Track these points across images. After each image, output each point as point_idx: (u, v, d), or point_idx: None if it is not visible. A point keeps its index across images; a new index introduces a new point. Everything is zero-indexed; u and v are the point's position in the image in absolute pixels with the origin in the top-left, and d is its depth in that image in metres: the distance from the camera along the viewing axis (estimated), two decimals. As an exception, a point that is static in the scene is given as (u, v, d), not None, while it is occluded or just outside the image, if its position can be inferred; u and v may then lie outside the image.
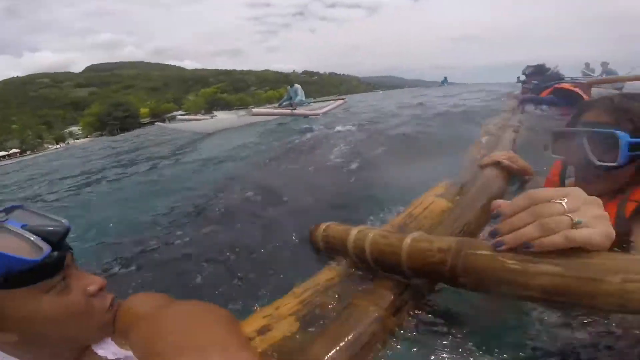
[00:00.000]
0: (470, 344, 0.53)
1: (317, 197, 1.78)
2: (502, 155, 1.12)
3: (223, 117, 7.90)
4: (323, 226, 0.77)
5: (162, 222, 1.80)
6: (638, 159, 0.68)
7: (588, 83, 3.38)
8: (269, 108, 7.76)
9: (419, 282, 0.60)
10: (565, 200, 0.43)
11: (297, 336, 0.54)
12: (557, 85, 3.01)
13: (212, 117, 8.04)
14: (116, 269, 1.36)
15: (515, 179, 1.10)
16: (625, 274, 0.38)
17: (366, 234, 0.67)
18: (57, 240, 0.50)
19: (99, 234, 1.83)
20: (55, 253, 0.49)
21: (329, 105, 8.10)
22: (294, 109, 7.27)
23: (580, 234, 0.41)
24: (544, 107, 2.98)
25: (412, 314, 0.59)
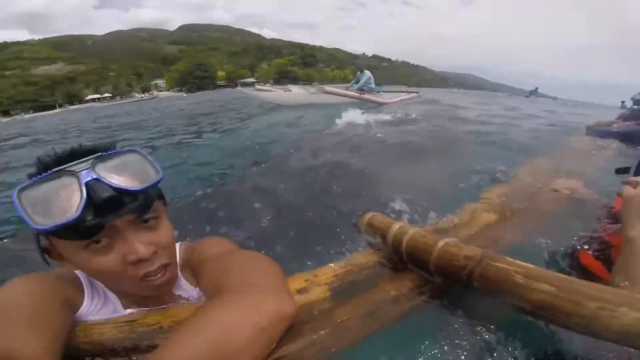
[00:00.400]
0: (472, 342, 0.62)
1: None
2: (563, 184, 1.13)
3: (297, 92, 8.17)
4: (369, 215, 0.88)
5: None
6: None
7: None
8: (340, 89, 7.85)
9: (440, 280, 0.70)
10: None
11: (326, 301, 0.65)
12: None
13: (285, 91, 8.36)
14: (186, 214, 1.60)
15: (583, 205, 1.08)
16: (603, 302, 0.46)
17: (406, 230, 0.77)
18: (102, 205, 0.50)
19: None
20: (91, 218, 0.50)
21: (400, 95, 7.96)
22: (363, 94, 7.27)
23: None
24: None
25: (426, 303, 0.68)
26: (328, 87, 7.73)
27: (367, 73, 8.14)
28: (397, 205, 1.47)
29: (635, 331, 0.45)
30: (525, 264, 0.56)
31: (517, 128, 4.51)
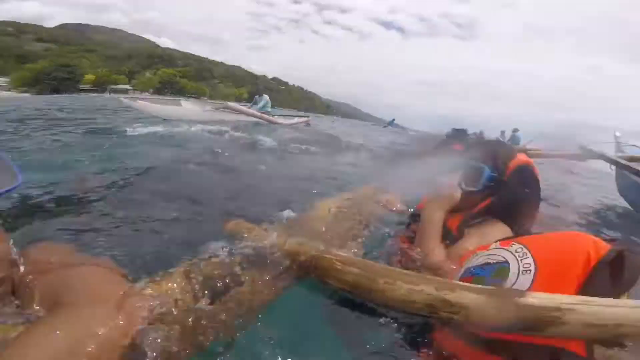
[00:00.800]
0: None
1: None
2: (384, 198, 1.53)
3: (189, 107, 7.61)
4: (233, 222, 0.96)
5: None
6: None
7: None
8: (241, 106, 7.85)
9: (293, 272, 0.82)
10: None
11: (190, 296, 0.68)
12: None
13: (175, 105, 7.71)
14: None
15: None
16: (388, 278, 0.64)
17: (261, 233, 0.88)
18: None
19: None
20: None
21: (293, 120, 8.55)
22: (263, 115, 7.53)
23: None
24: None
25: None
26: (231, 104, 7.60)
27: (265, 97, 8.54)
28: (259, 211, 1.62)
29: (407, 299, 0.64)
30: (343, 254, 0.73)
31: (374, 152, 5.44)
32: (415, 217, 1.12)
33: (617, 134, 4.01)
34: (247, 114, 7.28)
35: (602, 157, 3.37)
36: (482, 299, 0.56)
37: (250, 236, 0.90)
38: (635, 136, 4.04)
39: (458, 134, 4.60)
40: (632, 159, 3.23)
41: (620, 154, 3.52)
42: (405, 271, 0.67)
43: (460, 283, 0.62)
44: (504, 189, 1.00)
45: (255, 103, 8.45)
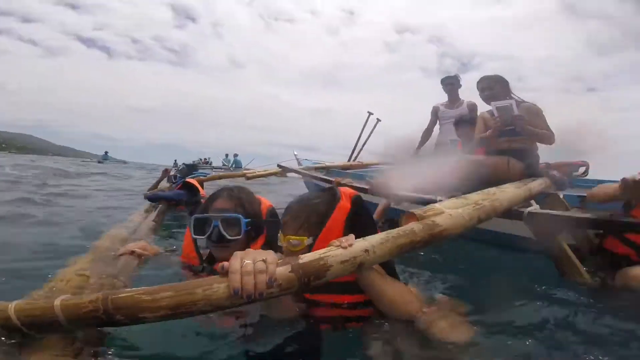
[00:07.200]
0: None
1: None
2: (135, 245, 1.44)
3: None
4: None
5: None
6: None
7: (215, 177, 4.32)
8: None
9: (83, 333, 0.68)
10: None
11: None
12: (187, 180, 3.46)
13: None
14: None
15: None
16: (205, 287, 0.72)
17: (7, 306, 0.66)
18: None
19: None
20: None
21: None
22: None
23: None
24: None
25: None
26: None
27: None
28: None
29: (220, 303, 0.72)
30: (139, 288, 0.70)
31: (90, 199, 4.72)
32: None
33: (295, 152, 5.72)
34: None
35: (292, 170, 4.68)
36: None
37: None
38: (307, 150, 5.94)
39: (188, 167, 4.73)
40: (308, 168, 4.71)
41: (301, 166, 5.03)
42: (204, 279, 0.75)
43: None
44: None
45: None
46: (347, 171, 4.62)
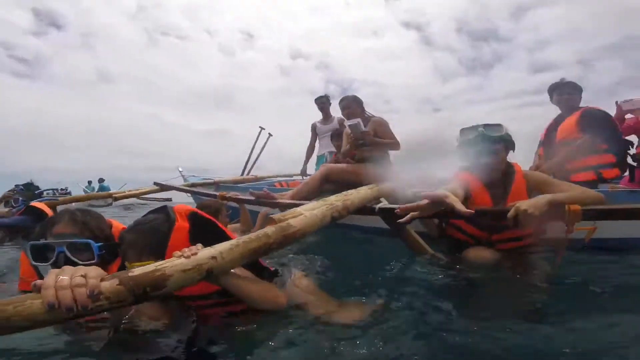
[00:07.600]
0: None
1: None
2: None
3: None
4: None
5: None
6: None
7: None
8: None
9: None
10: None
11: None
12: (32, 204, 2.87)
13: None
14: None
15: None
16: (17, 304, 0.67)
17: None
18: None
19: None
20: None
21: None
22: None
23: None
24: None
25: None
26: None
27: None
28: None
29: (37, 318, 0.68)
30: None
31: None
32: None
33: (180, 169, 5.45)
34: None
35: (171, 187, 4.45)
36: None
37: None
38: (200, 171, 5.72)
39: (27, 188, 3.99)
40: (195, 185, 4.49)
41: (186, 182, 4.78)
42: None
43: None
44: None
45: None
46: (239, 185, 4.60)
